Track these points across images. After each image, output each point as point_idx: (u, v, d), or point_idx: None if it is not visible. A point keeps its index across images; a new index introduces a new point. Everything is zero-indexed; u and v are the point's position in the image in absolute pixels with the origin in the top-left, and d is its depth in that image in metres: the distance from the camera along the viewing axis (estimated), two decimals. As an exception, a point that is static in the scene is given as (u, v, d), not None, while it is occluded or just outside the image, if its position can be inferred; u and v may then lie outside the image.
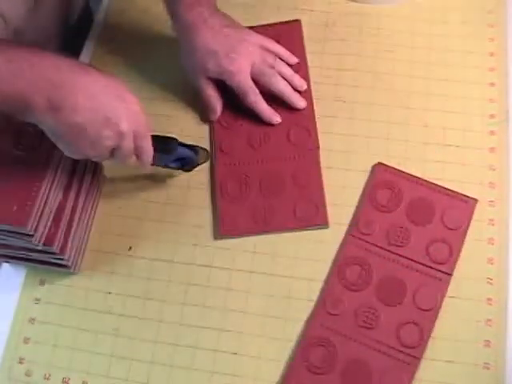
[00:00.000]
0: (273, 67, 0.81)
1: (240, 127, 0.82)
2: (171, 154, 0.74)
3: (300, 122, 0.81)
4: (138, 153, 0.69)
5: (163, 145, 0.72)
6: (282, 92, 0.81)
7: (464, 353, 0.68)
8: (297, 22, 0.89)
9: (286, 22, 0.89)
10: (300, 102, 0.82)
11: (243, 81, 0.79)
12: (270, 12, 0.90)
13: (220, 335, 0.72)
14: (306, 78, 0.84)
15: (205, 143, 0.81)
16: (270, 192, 0.77)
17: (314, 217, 0.75)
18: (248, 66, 0.79)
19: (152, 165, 0.72)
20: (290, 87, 0.82)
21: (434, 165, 0.78)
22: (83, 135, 0.62)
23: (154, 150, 0.70)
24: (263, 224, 0.76)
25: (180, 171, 0.78)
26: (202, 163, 0.78)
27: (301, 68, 0.84)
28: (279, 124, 0.81)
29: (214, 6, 0.82)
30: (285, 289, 0.73)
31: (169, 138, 0.74)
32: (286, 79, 0.81)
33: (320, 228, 0.75)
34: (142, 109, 0.66)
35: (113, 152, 0.66)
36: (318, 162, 0.79)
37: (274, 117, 0.81)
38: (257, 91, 0.80)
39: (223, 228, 0.76)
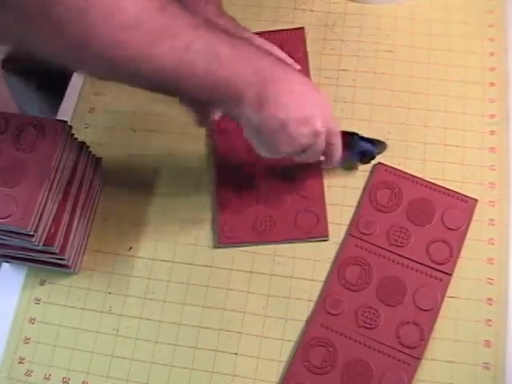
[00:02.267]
0: None
1: (241, 134, 0.81)
2: (354, 148, 0.75)
3: None
4: (328, 150, 0.70)
5: (346, 140, 0.73)
6: None
7: (464, 353, 0.68)
8: (300, 29, 0.88)
9: (290, 30, 0.88)
10: None
11: None
12: (270, 12, 0.90)
13: (220, 335, 0.72)
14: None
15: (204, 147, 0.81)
16: (272, 201, 0.77)
17: (314, 229, 0.75)
18: None
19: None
20: None
21: (434, 165, 0.78)
22: (283, 132, 0.63)
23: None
24: (263, 234, 0.76)
25: (358, 163, 0.78)
26: (378, 154, 0.78)
27: None
28: None
29: (220, 6, 0.81)
30: (285, 289, 0.73)
31: (350, 132, 0.75)
32: None
33: (320, 240, 0.75)
34: (332, 108, 0.68)
35: (304, 150, 0.67)
36: (320, 173, 0.78)
37: None
38: None
39: (222, 238, 0.76)
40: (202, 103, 0.66)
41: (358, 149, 0.76)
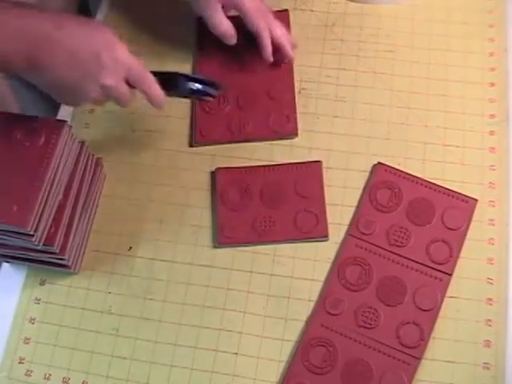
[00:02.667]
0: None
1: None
2: (178, 88, 0.74)
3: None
4: (143, 93, 0.70)
5: (169, 80, 0.72)
6: (280, 38, 0.81)
7: (464, 353, 0.68)
8: (285, 11, 0.88)
9: (275, 12, 0.87)
10: (291, 52, 0.82)
11: (252, 8, 0.79)
12: (270, 12, 0.90)
13: (220, 335, 0.72)
14: (290, 67, 0.84)
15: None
16: (271, 201, 0.77)
17: (314, 229, 0.75)
18: None
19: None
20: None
21: (434, 165, 0.78)
22: (66, 89, 0.65)
23: (162, 88, 0.70)
24: (263, 234, 0.76)
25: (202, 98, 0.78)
26: (214, 93, 0.78)
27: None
28: None
29: None
30: (285, 289, 0.73)
31: (172, 72, 0.74)
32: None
33: (320, 240, 0.75)
34: (128, 55, 0.67)
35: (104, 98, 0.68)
36: (320, 174, 0.78)
37: (270, 56, 0.80)
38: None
39: (221, 238, 0.76)
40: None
41: (184, 89, 0.75)
